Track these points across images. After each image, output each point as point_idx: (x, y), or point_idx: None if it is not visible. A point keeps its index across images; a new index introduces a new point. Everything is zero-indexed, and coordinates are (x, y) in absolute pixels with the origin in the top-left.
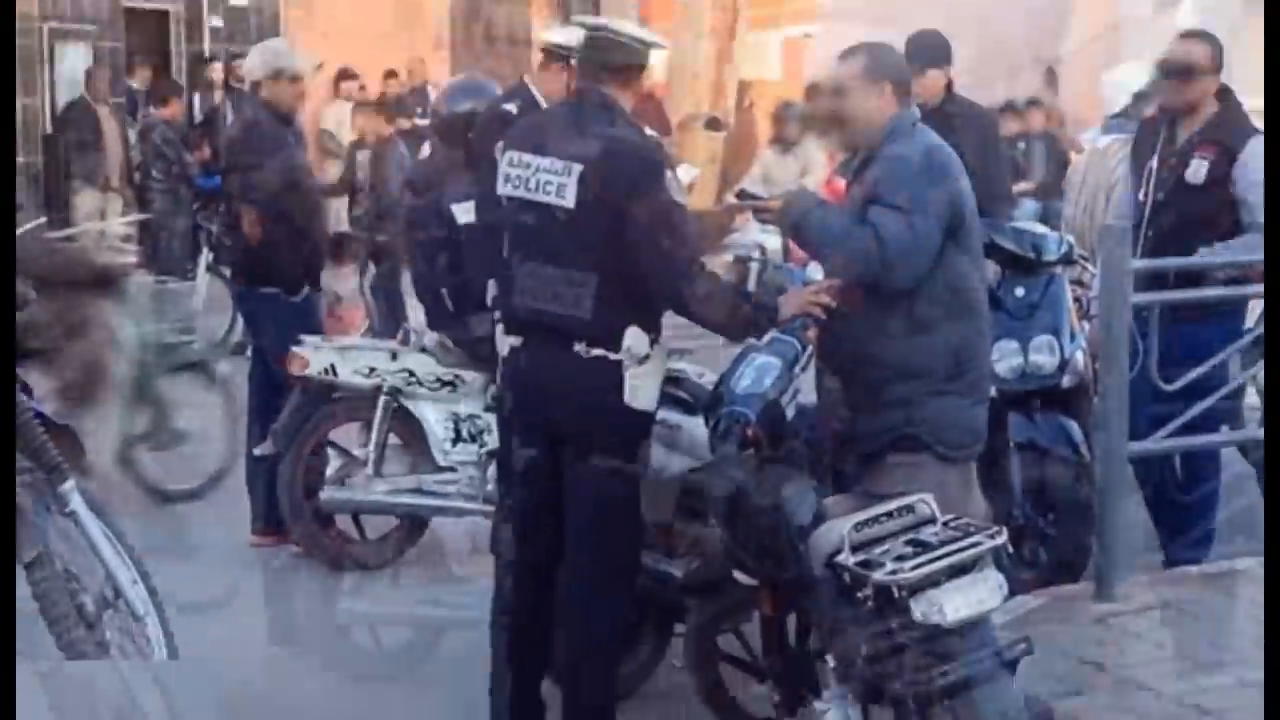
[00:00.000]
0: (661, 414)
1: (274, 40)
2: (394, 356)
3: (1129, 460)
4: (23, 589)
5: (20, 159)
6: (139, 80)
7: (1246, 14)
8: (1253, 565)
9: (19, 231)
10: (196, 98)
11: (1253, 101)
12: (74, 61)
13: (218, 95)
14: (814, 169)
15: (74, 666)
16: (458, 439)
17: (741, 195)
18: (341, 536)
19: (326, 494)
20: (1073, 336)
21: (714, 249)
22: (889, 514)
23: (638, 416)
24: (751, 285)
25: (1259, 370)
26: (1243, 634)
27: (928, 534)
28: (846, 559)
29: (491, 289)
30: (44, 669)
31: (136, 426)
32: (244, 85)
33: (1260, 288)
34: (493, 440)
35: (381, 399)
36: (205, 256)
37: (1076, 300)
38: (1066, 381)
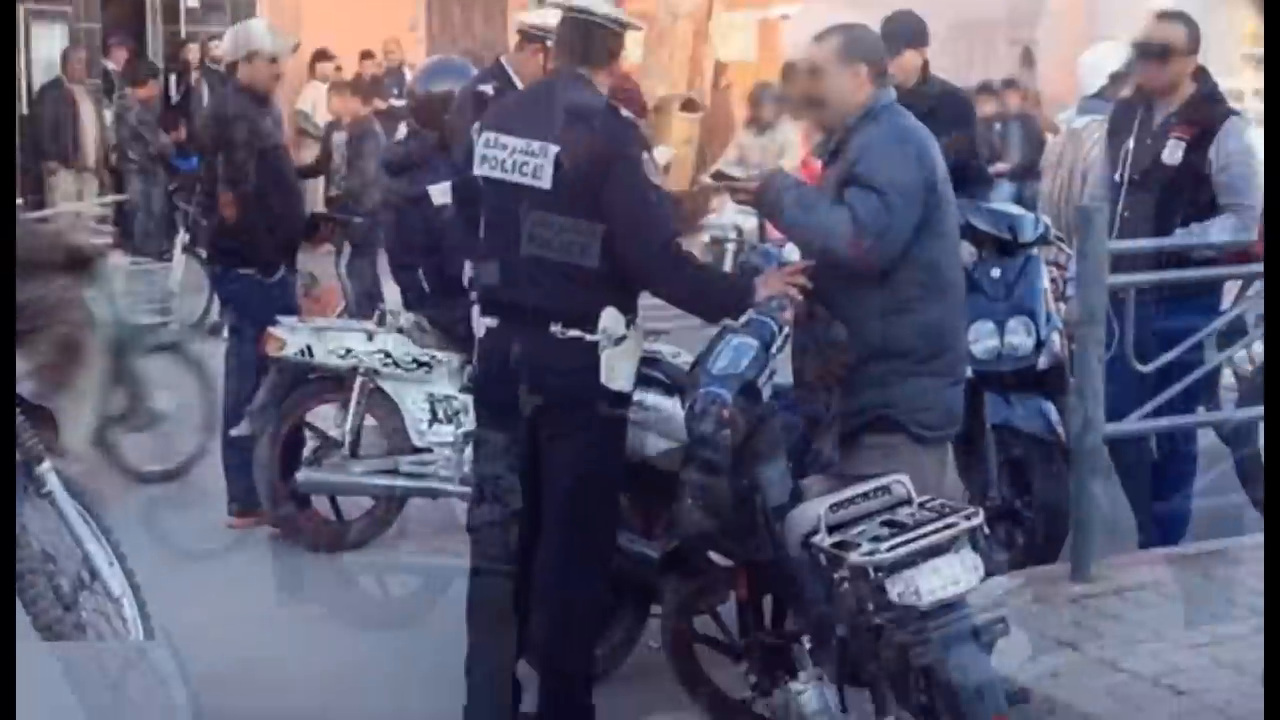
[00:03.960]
0: (638, 395)
1: (250, 21)
2: (370, 337)
3: (1105, 441)
4: None
5: None
6: (115, 61)
7: None
8: (1229, 545)
9: None
10: (173, 79)
11: (1227, 82)
12: (50, 43)
13: (194, 76)
14: (790, 150)
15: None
16: (434, 420)
17: (718, 176)
18: (318, 517)
19: (303, 475)
20: (1049, 318)
21: (691, 230)
22: (865, 495)
23: (614, 397)
24: (728, 266)
25: (1235, 351)
26: (1218, 615)
27: (904, 515)
28: (823, 540)
29: (468, 270)
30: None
31: (113, 408)
32: (220, 66)
33: (1235, 269)
34: (469, 421)
35: (358, 380)
36: (181, 237)
37: (1053, 281)
38: (1043, 363)
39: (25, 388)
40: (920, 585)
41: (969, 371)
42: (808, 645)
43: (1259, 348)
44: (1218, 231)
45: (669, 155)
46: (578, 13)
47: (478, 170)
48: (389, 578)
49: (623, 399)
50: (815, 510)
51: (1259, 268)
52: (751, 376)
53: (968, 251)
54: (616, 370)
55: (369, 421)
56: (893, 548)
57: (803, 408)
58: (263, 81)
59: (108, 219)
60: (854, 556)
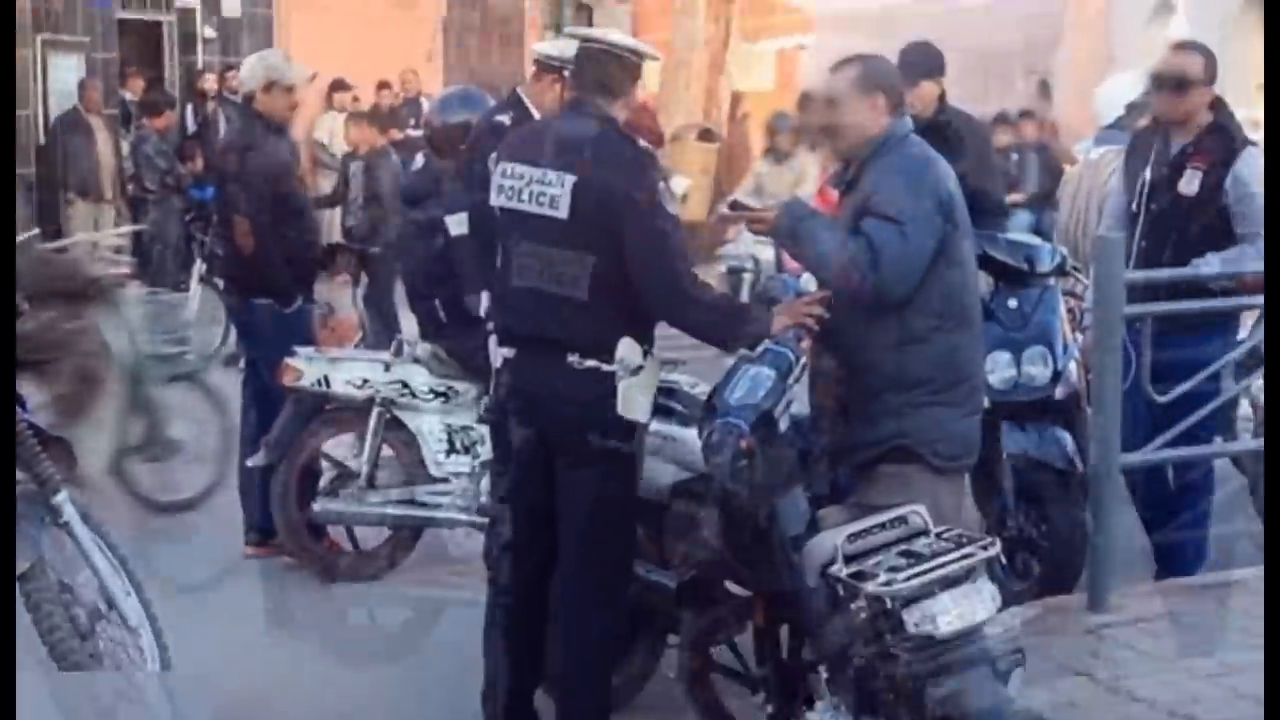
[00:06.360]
0: (655, 425)
1: (268, 51)
2: (387, 368)
3: (1122, 471)
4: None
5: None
6: (132, 91)
7: (1239, 24)
8: (1246, 575)
9: None
10: (190, 109)
11: (1242, 111)
12: (67, 73)
13: (211, 106)
14: (807, 180)
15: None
16: (451, 450)
17: (734, 206)
18: (335, 548)
19: (320, 505)
20: (1066, 348)
21: (707, 260)
22: (882, 525)
23: (631, 427)
24: (745, 296)
25: (1252, 381)
26: (1236, 645)
27: (921, 545)
28: (840, 570)
29: (485, 300)
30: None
31: (130, 438)
32: (237, 96)
33: (1253, 299)
34: (486, 451)
35: (375, 410)
36: (198, 268)
37: (1070, 311)
38: (1059, 393)
39: (42, 417)
40: (937, 615)
41: (986, 401)
42: (824, 675)
43: None
44: (1234, 261)
45: (686, 185)
46: (595, 43)
47: (494, 200)
48: (405, 609)
49: (639, 429)
50: (832, 540)
51: None
52: (768, 407)
53: (985, 282)
54: (633, 400)
55: (386, 452)
56: (910, 578)
57: (819, 437)
58: (280, 111)
59: (124, 249)
60: (871, 587)
